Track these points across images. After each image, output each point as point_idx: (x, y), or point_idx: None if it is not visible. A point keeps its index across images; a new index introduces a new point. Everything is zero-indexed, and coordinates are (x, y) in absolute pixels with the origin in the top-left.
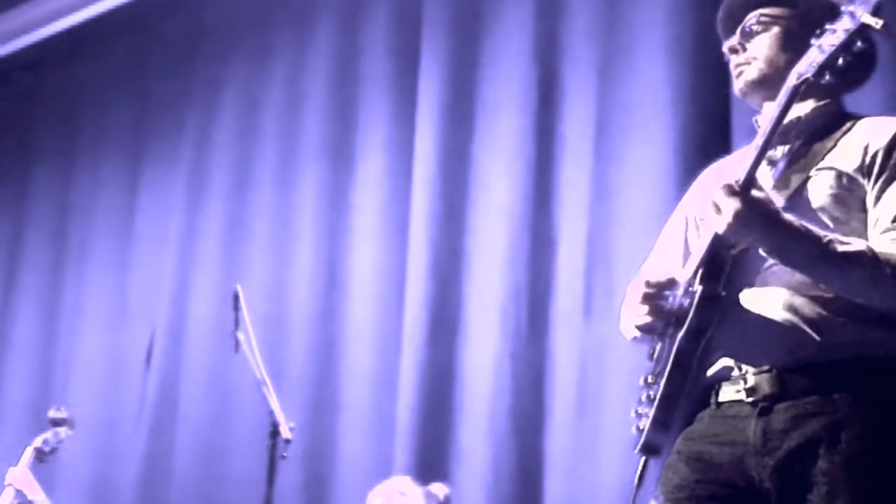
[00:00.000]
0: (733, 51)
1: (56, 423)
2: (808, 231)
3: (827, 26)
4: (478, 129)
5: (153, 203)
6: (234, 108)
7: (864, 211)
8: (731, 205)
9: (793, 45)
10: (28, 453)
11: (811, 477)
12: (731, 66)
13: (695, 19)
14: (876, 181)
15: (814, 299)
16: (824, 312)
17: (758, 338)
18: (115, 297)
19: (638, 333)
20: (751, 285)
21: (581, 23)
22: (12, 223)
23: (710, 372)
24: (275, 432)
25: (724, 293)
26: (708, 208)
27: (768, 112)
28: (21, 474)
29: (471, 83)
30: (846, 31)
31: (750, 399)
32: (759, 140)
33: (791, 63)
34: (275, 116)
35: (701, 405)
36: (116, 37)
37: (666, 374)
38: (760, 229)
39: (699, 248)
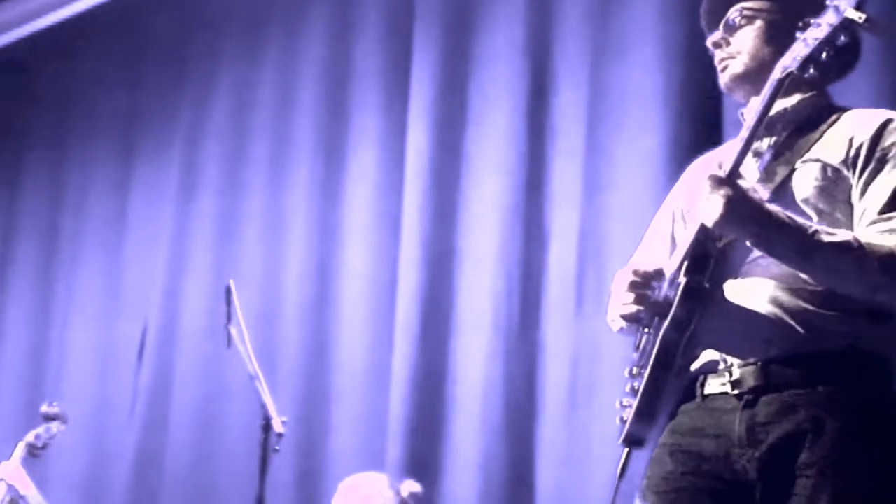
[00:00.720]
0: (717, 45)
1: (48, 418)
2: (794, 222)
3: (811, 20)
4: (470, 123)
5: (145, 198)
6: (226, 103)
7: (849, 203)
8: (717, 196)
9: (776, 38)
10: (20, 448)
11: (796, 469)
12: (716, 60)
13: (686, 13)
14: (861, 173)
15: (799, 292)
16: (809, 305)
17: (742, 330)
18: (108, 291)
19: (624, 324)
20: (736, 278)
21: (573, 17)
22: (3, 218)
23: (695, 364)
24: (267, 426)
25: (708, 285)
26: (694, 200)
27: (754, 105)
28: (13, 469)
29: (462, 78)
30: (830, 25)
31: (735, 392)
32: (744, 133)
33: (775, 56)
34: (267, 111)
35: (686, 397)
36: (108, 32)
37: (650, 365)
38: (746, 220)
39: (685, 241)
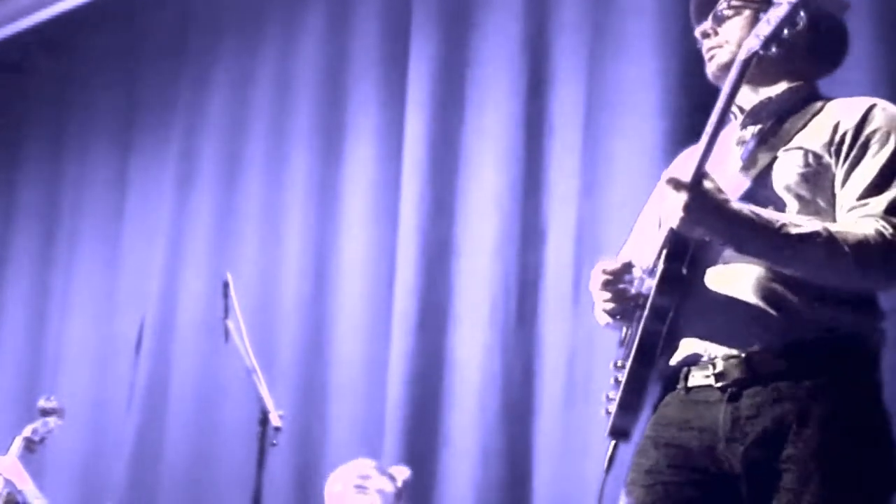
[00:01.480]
0: (705, 35)
1: (45, 412)
2: (760, 217)
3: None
4: (467, 117)
5: (142, 193)
6: (223, 96)
7: (831, 189)
8: (679, 200)
9: None
10: (17, 443)
11: (781, 462)
12: (704, 50)
13: (684, 8)
14: (844, 161)
15: (781, 279)
16: (791, 293)
17: (725, 320)
18: (105, 285)
19: (610, 319)
20: (715, 263)
21: (570, 11)
22: (0, 213)
23: (678, 356)
24: (264, 420)
25: (685, 272)
26: (661, 202)
27: (745, 97)
28: (10, 464)
29: (460, 71)
30: (790, 3)
31: (719, 384)
32: (713, 116)
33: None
34: (264, 104)
35: (669, 389)
36: (105, 27)
37: (631, 356)
38: (710, 221)
39: (662, 231)
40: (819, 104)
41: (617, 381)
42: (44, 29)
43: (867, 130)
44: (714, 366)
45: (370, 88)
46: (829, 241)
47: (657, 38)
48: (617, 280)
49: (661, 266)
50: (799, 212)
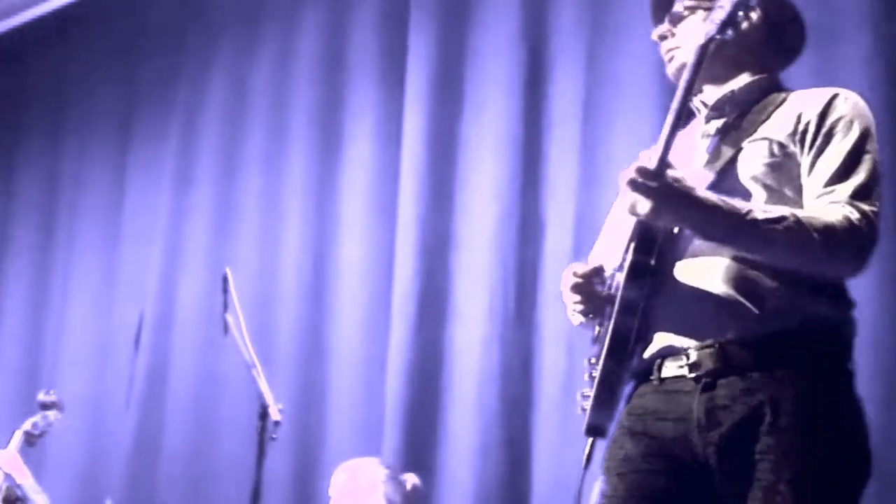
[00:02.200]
0: (663, 37)
1: (45, 406)
2: (727, 204)
3: None
4: (466, 110)
5: (142, 185)
6: (222, 90)
7: (797, 178)
8: (646, 190)
9: None
10: (17, 437)
11: (755, 453)
12: (662, 51)
13: None
14: (810, 150)
15: (753, 271)
16: (764, 284)
17: (697, 311)
18: (104, 279)
19: (582, 319)
20: (684, 255)
21: (569, 6)
22: (0, 205)
23: (651, 349)
24: (264, 414)
25: (653, 263)
26: (626, 193)
27: (709, 92)
28: (10, 458)
29: (459, 66)
30: None
31: (693, 375)
32: (673, 105)
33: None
34: (263, 99)
35: (643, 380)
36: (105, 18)
37: (604, 351)
38: (677, 209)
39: (630, 224)
40: (782, 95)
41: (591, 378)
42: (42, 23)
43: (830, 119)
44: (688, 356)
45: (369, 83)
46: (796, 227)
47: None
48: (587, 283)
49: (629, 259)
50: (766, 201)
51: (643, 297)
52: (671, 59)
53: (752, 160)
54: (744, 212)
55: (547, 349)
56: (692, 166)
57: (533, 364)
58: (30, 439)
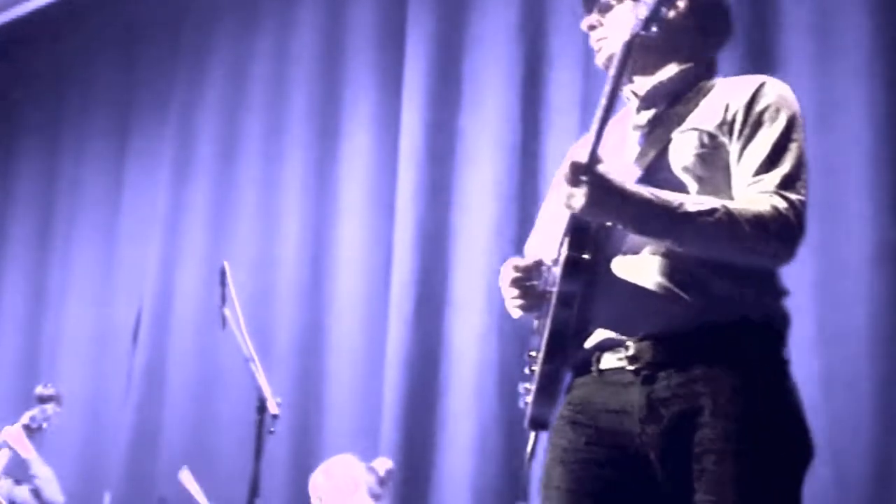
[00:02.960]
0: (591, 27)
1: (44, 399)
2: (658, 197)
3: None
4: (464, 103)
5: (140, 179)
6: (220, 83)
7: (728, 169)
8: (579, 188)
9: None
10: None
11: (696, 445)
12: (592, 42)
13: None
14: (738, 139)
15: (686, 262)
16: (697, 275)
17: (633, 306)
18: (102, 272)
19: (521, 312)
20: (620, 249)
21: None
22: None
23: (590, 340)
24: (262, 407)
25: (588, 257)
26: (559, 191)
27: (639, 83)
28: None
29: (457, 57)
30: None
31: (632, 367)
32: (602, 101)
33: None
34: (261, 90)
35: (582, 372)
36: (102, 10)
37: (544, 345)
38: (609, 205)
39: (564, 219)
40: (710, 84)
41: (532, 372)
42: (39, 15)
43: (757, 108)
44: (626, 348)
45: (366, 75)
46: (727, 218)
47: None
48: (526, 277)
49: (563, 253)
50: (698, 192)
51: (580, 291)
52: (600, 50)
53: (683, 151)
54: (675, 204)
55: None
56: (624, 159)
57: None
58: (29, 432)
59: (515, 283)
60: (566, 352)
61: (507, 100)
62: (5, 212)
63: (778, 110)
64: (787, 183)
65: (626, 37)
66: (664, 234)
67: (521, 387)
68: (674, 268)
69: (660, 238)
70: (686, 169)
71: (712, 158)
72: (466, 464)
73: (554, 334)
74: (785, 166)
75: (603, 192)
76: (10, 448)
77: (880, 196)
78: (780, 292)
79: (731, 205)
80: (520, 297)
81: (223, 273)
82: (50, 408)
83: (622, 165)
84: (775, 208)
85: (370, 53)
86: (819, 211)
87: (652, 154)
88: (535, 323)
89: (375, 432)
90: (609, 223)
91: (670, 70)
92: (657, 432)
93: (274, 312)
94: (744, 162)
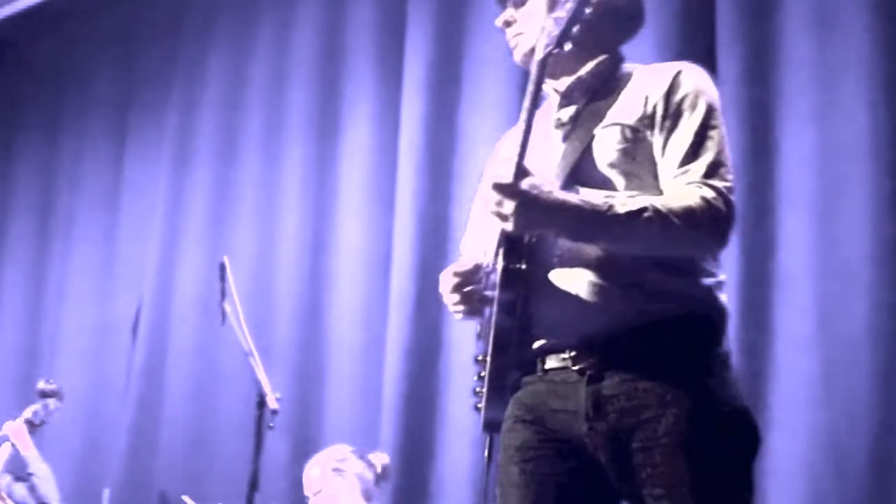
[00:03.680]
0: (507, 24)
1: (45, 394)
2: (587, 203)
3: None
4: (464, 99)
5: (139, 175)
6: (219, 79)
7: (652, 161)
8: (507, 205)
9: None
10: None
11: (644, 442)
12: (507, 37)
13: None
14: (661, 131)
15: (622, 262)
16: (634, 275)
17: (570, 314)
18: (102, 268)
19: (463, 317)
20: (555, 254)
21: None
22: None
23: (536, 343)
24: (262, 403)
25: (525, 267)
26: (488, 205)
27: (561, 79)
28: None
29: (457, 52)
30: (575, 0)
31: (576, 367)
32: (522, 116)
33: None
34: (261, 87)
35: (529, 372)
36: (103, 7)
37: (489, 352)
38: (539, 219)
39: (496, 227)
40: (626, 74)
41: (480, 377)
42: (39, 11)
43: (676, 98)
44: (569, 350)
45: (367, 71)
46: (656, 215)
47: (653, 12)
48: (466, 283)
49: (500, 264)
50: (626, 188)
51: (519, 297)
52: (516, 46)
53: (606, 147)
54: (605, 208)
55: None
56: (549, 158)
57: None
58: (30, 427)
59: (456, 288)
60: (512, 355)
61: (507, 95)
62: (5, 210)
63: (696, 97)
64: (712, 171)
65: (540, 54)
66: (597, 239)
67: (472, 390)
68: (609, 270)
69: (593, 242)
70: (611, 165)
71: (636, 153)
72: (466, 458)
73: (498, 339)
74: (708, 155)
75: (531, 209)
76: (12, 443)
77: (880, 195)
78: (716, 285)
79: (659, 201)
80: (461, 302)
81: (223, 268)
82: (52, 403)
83: (547, 166)
84: (704, 199)
85: (370, 49)
86: (819, 210)
87: (576, 153)
88: (478, 328)
89: (375, 427)
90: (540, 234)
91: (587, 65)
92: (604, 430)
93: (274, 308)
94: (668, 154)
